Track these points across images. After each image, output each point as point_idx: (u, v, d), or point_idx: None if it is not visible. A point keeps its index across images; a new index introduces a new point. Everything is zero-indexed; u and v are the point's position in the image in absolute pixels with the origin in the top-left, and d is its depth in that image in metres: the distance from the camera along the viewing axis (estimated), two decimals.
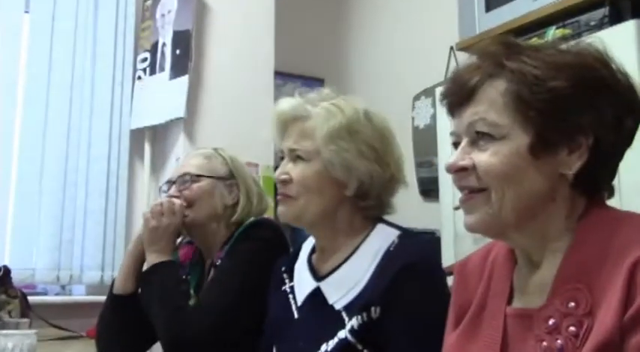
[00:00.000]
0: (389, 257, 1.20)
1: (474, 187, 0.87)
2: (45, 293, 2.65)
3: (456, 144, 0.90)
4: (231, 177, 1.61)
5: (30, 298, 2.02)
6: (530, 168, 0.84)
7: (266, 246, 1.51)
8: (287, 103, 1.31)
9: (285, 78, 3.24)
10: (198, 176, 1.59)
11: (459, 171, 0.88)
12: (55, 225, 2.58)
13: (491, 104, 0.86)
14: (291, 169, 1.27)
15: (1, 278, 1.76)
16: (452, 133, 0.92)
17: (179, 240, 1.64)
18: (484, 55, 0.90)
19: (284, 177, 1.27)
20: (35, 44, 2.64)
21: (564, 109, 0.84)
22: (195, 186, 1.58)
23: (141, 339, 1.59)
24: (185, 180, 1.59)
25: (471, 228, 0.88)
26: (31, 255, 2.54)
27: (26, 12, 2.66)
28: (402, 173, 1.30)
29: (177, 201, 1.56)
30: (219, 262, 1.52)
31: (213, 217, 1.58)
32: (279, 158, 1.35)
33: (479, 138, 0.86)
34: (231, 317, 1.41)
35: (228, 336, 1.40)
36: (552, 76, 0.84)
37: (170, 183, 1.63)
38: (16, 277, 2.00)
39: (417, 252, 1.20)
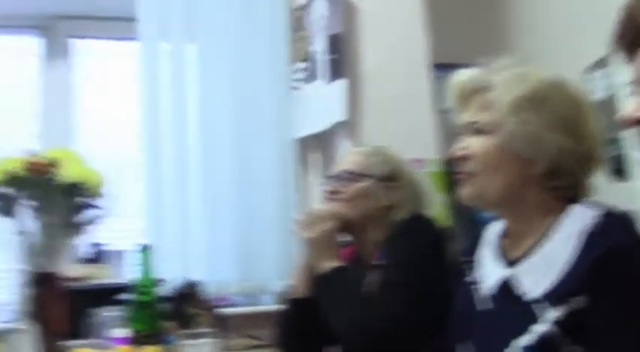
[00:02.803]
0: (591, 239, 1.04)
1: None
2: (234, 305, 2.76)
3: None
4: (391, 177, 1.57)
5: (220, 310, 2.11)
6: None
7: (430, 238, 1.44)
8: (466, 75, 1.22)
9: (445, 69, 3.12)
10: (356, 174, 1.56)
11: None
12: (237, 238, 2.68)
13: None
14: (470, 144, 1.16)
15: (189, 293, 1.84)
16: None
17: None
18: None
19: (462, 152, 1.17)
20: (200, 70, 2.79)
21: None
22: (351, 184, 1.55)
23: (317, 343, 1.60)
24: (343, 177, 1.57)
25: None
26: (217, 268, 2.66)
27: (190, 40, 2.83)
28: (599, 149, 1.14)
29: (325, 207, 1.54)
30: (379, 261, 1.48)
31: (368, 217, 1.54)
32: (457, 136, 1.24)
33: None
34: (417, 310, 1.36)
35: (415, 329, 1.35)
36: None
37: (330, 178, 1.62)
38: (206, 290, 2.10)
39: (624, 232, 1.04)
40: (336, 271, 1.48)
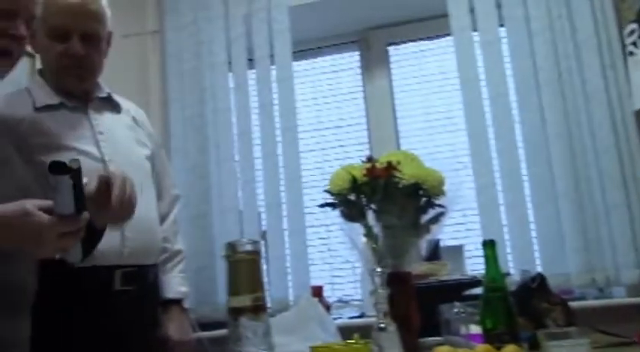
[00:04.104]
0: None
1: None
2: (583, 298, 2.57)
3: None
4: None
5: (569, 304, 1.97)
6: None
7: None
8: None
9: None
10: None
11: None
12: (577, 226, 2.50)
13: None
14: None
15: (540, 286, 1.75)
16: None
17: None
18: None
19: None
20: (514, 53, 2.68)
21: None
22: None
23: None
24: None
25: None
26: (561, 259, 2.51)
27: (501, 26, 2.73)
28: None
29: None
30: None
31: None
32: None
33: None
34: None
35: None
36: None
37: None
38: (551, 283, 1.98)
39: None
40: None
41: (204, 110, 2.94)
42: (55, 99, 1.71)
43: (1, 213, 1.08)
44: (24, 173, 1.55)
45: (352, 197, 1.72)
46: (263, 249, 2.82)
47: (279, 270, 2.76)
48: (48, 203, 1.10)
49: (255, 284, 1.18)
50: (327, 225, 3.04)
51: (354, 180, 1.65)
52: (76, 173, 1.09)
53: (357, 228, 1.75)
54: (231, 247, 1.20)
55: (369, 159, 1.81)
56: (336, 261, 3.03)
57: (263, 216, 2.87)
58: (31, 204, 1.09)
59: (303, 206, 2.82)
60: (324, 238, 3.03)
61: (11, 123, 1.64)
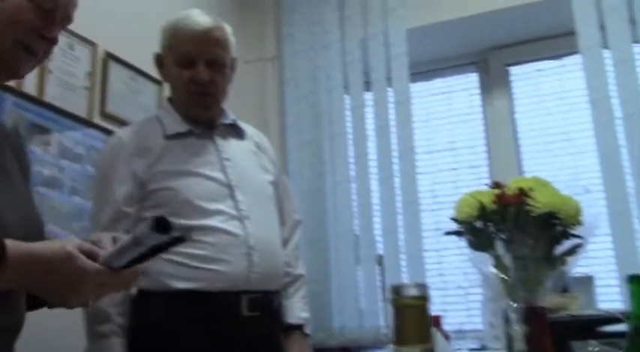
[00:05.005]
0: None
1: None
2: None
3: None
4: None
5: None
6: None
7: None
8: None
9: None
10: None
11: None
12: None
13: None
14: None
15: None
16: None
17: None
18: None
19: None
20: None
21: None
22: None
23: None
24: None
25: None
26: None
27: (635, 42, 2.57)
28: None
29: None
30: None
31: None
32: None
33: None
34: None
35: None
36: None
37: None
38: None
39: None
40: None
41: (321, 134, 2.95)
42: (183, 127, 1.76)
43: (41, 252, 0.94)
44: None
45: (480, 225, 1.65)
46: (378, 275, 2.79)
47: None
48: (89, 245, 0.99)
49: (424, 333, 1.10)
50: (437, 250, 2.97)
51: (482, 207, 1.57)
52: (175, 241, 0.95)
53: (485, 258, 1.67)
54: (397, 290, 1.13)
55: (497, 185, 1.73)
56: (447, 287, 2.94)
57: (378, 238, 2.83)
58: (72, 246, 0.95)
59: (420, 230, 2.76)
60: (436, 263, 2.95)
61: (143, 150, 1.70)
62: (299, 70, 3.07)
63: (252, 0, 3.27)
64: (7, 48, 1.10)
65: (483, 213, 1.58)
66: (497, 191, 1.64)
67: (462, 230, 1.72)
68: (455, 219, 1.71)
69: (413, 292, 1.13)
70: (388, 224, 2.79)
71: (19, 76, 1.19)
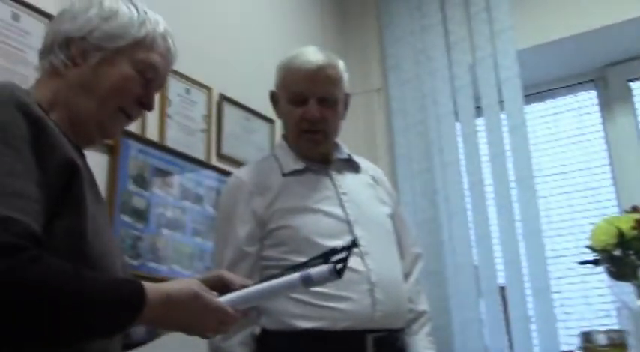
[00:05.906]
0: None
1: None
2: None
3: None
4: None
5: None
6: None
7: None
8: None
9: None
10: None
11: None
12: None
13: None
14: None
15: None
16: None
17: None
18: None
19: None
20: None
21: None
22: None
23: None
24: None
25: None
26: None
27: None
28: None
29: None
30: None
31: None
32: None
33: None
34: None
35: None
36: None
37: None
38: None
39: None
40: None
41: (432, 163, 2.89)
42: (299, 164, 1.77)
43: (173, 293, 1.02)
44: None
45: (618, 253, 1.54)
46: (500, 307, 2.66)
47: (522, 332, 2.56)
48: (210, 294, 1.07)
49: None
50: (559, 278, 2.81)
51: (620, 234, 1.47)
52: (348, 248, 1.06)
53: (627, 288, 1.55)
54: (587, 338, 1.03)
55: (635, 209, 1.61)
56: (569, 318, 2.77)
57: (499, 268, 2.71)
58: (198, 286, 1.05)
59: (545, 258, 2.62)
60: (558, 292, 2.79)
61: (262, 188, 1.71)
62: (406, 99, 3.03)
63: (355, 32, 3.29)
64: (110, 114, 1.16)
65: (622, 240, 1.48)
66: (636, 216, 1.53)
67: (598, 258, 1.61)
68: (591, 247, 1.61)
69: (606, 339, 1.02)
70: (509, 253, 2.67)
71: (114, 137, 1.26)
